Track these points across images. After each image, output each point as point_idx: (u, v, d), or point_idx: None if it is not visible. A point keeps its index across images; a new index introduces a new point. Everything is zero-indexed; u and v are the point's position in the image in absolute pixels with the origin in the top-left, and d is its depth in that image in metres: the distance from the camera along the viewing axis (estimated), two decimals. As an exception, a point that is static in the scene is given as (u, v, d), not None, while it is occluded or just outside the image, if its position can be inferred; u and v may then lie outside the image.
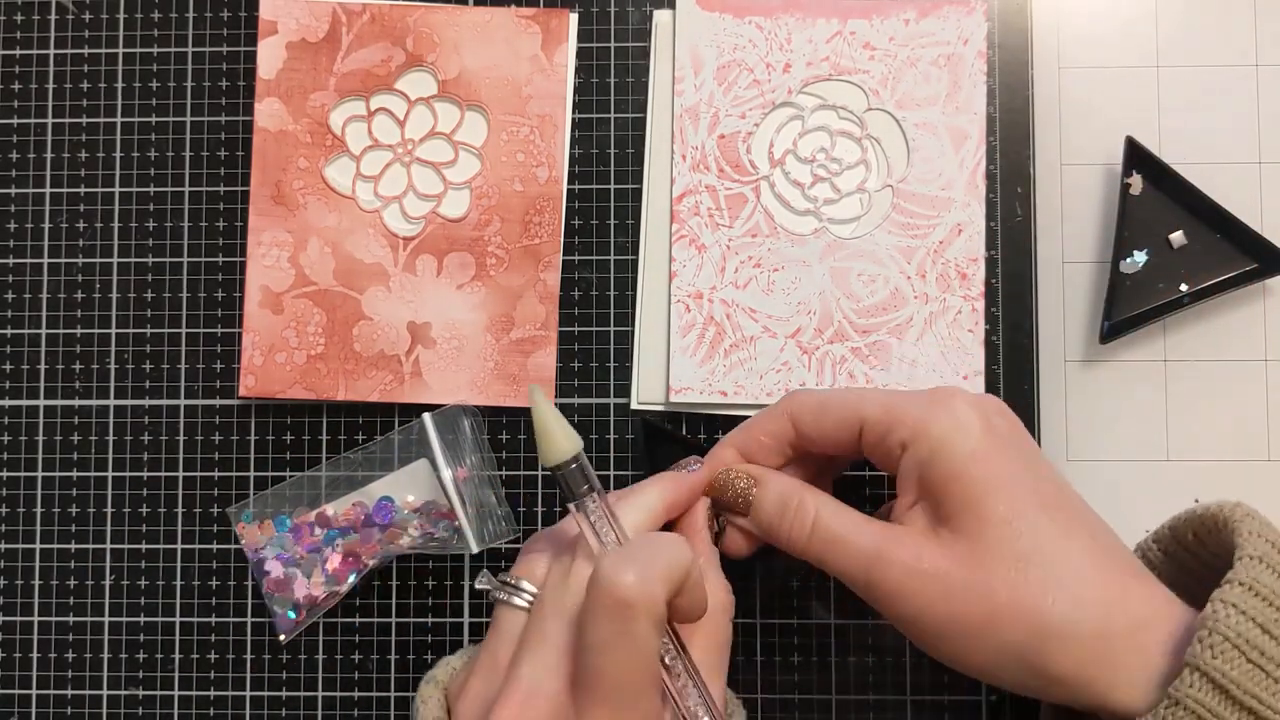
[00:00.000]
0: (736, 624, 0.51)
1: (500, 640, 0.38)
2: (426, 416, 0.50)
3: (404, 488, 0.50)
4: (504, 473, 0.51)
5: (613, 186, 0.52)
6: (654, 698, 0.35)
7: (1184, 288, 0.50)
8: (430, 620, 0.51)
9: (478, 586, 0.40)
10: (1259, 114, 0.52)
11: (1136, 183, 0.50)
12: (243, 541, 0.50)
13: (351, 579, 0.49)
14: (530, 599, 0.38)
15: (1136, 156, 0.50)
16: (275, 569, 0.49)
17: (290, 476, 0.51)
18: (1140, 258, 0.50)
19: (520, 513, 0.51)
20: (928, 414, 0.38)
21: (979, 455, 0.37)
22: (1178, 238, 0.50)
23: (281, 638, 0.50)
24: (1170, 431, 0.51)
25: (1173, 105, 0.52)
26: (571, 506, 0.37)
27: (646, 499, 0.40)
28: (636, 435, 0.51)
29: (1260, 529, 0.36)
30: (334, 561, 0.49)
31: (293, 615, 0.49)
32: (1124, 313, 0.50)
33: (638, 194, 0.52)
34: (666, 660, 0.36)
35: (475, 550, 0.49)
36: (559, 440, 0.37)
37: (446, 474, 0.50)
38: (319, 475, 0.51)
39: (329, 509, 0.50)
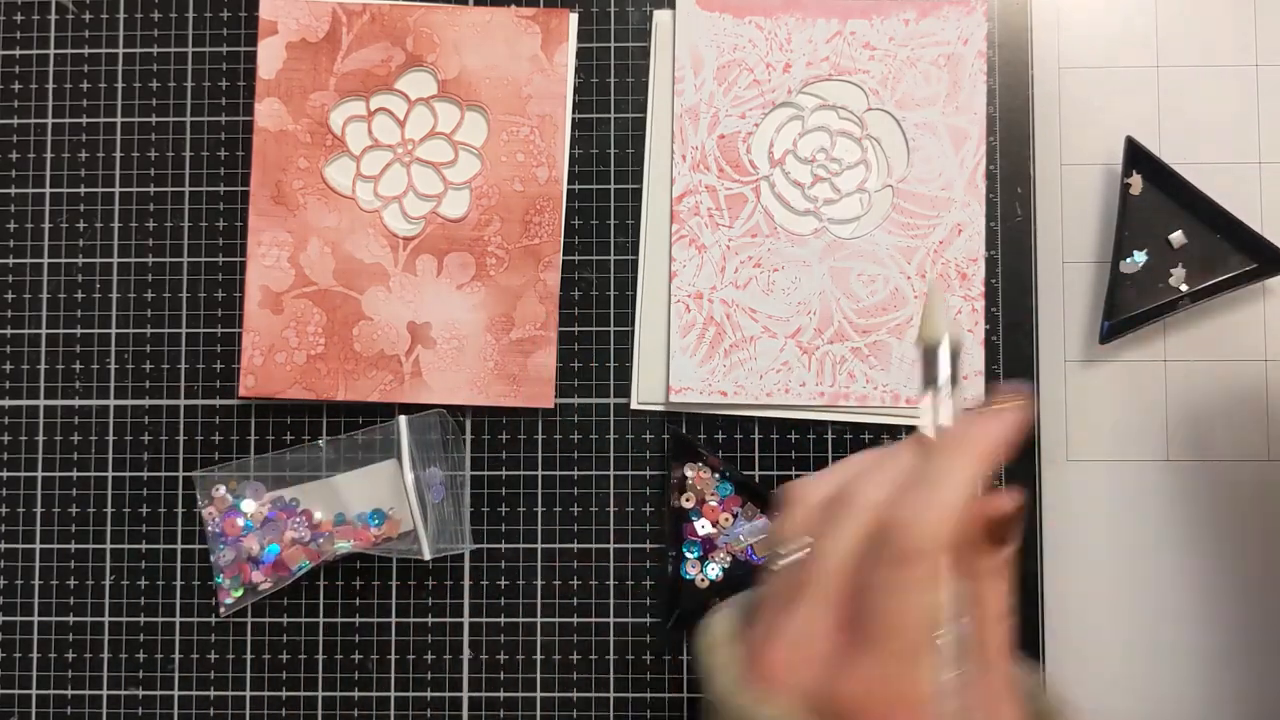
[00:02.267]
0: (737, 624, 0.51)
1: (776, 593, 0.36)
2: (402, 418, 0.50)
3: (365, 485, 0.51)
4: (503, 473, 0.51)
5: (613, 186, 0.52)
6: (927, 655, 0.33)
7: (1184, 287, 0.50)
8: (430, 620, 0.51)
9: (768, 563, 0.38)
10: (1259, 114, 0.52)
11: (1136, 183, 0.50)
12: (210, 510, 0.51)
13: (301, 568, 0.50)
14: (803, 550, 0.36)
15: (1137, 156, 0.50)
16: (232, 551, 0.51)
17: (260, 457, 0.51)
18: (1140, 258, 0.50)
19: (519, 512, 0.51)
20: None
21: None
22: (1177, 237, 0.50)
23: (221, 610, 0.51)
24: (1170, 431, 0.51)
25: (1173, 105, 0.52)
26: (928, 389, 0.37)
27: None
28: (668, 441, 0.51)
29: None
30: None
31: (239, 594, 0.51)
32: (1123, 313, 0.50)
33: (638, 194, 0.52)
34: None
35: (429, 559, 0.49)
36: (934, 325, 0.37)
37: (410, 478, 0.50)
38: (283, 456, 0.51)
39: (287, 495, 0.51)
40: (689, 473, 0.51)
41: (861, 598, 0.33)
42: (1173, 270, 0.50)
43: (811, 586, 0.35)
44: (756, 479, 0.51)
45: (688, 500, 0.50)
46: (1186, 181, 0.50)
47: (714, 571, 0.50)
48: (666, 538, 0.50)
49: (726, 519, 0.50)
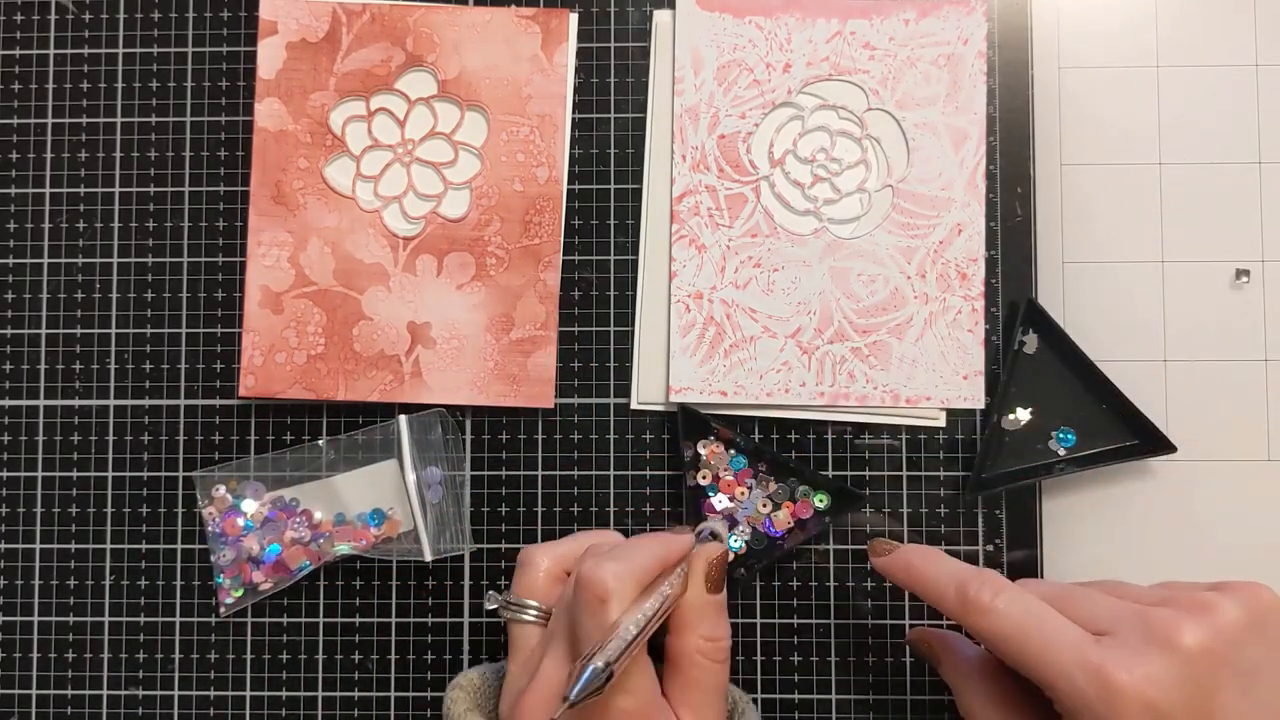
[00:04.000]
0: (736, 624, 0.51)
1: (518, 651, 0.43)
2: (402, 418, 0.50)
3: (365, 485, 0.51)
4: (504, 473, 0.51)
5: (613, 186, 0.52)
6: (644, 679, 0.39)
7: (1062, 451, 0.50)
8: (430, 620, 0.51)
9: (488, 608, 0.44)
10: (1259, 114, 0.52)
11: (1031, 342, 0.50)
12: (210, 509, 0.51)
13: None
14: (535, 614, 0.43)
15: (1034, 317, 0.50)
16: (233, 551, 0.51)
17: (261, 457, 0.51)
18: (1024, 415, 0.50)
19: (519, 512, 0.51)
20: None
21: None
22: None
23: (221, 610, 0.51)
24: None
25: (1173, 105, 0.52)
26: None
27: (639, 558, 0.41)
28: (676, 421, 0.51)
29: None
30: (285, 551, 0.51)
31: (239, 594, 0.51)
32: (999, 468, 0.50)
33: (638, 194, 0.52)
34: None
35: (429, 559, 0.49)
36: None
37: (411, 478, 0.50)
38: (283, 456, 0.51)
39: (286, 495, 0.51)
40: (701, 450, 0.51)
41: (576, 643, 0.39)
42: (1054, 433, 0.50)
43: (552, 639, 0.41)
44: (774, 444, 0.51)
45: (704, 478, 0.50)
46: (1080, 350, 0.49)
47: (737, 543, 0.50)
48: (687, 517, 0.50)
49: (743, 492, 0.50)
